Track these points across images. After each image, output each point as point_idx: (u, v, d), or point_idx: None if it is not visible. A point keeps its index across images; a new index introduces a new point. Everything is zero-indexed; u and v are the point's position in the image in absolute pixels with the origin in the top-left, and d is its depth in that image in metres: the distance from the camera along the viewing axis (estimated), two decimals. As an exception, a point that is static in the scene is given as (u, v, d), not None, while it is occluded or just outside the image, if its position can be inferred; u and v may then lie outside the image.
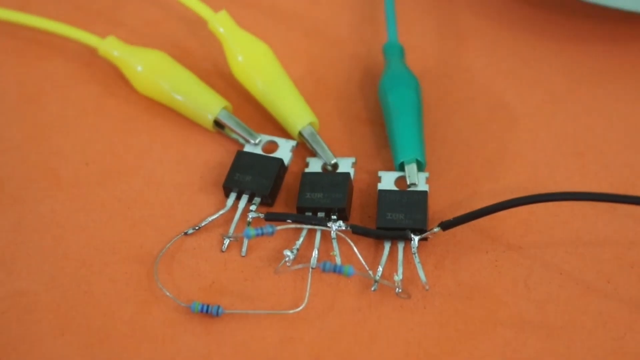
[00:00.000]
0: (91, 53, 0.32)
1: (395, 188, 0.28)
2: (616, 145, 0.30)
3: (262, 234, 0.26)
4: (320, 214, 0.28)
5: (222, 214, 0.28)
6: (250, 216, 0.28)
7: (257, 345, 0.25)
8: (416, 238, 0.27)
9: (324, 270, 0.26)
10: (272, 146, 0.29)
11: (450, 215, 0.27)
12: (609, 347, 0.25)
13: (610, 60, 0.33)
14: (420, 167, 0.28)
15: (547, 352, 0.25)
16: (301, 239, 0.27)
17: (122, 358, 0.25)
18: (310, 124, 0.29)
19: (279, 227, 0.27)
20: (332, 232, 0.27)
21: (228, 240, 0.27)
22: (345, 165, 0.29)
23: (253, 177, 0.28)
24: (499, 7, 0.34)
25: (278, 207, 0.29)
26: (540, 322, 0.26)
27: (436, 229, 0.27)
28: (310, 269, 0.27)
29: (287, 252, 0.27)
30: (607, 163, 0.30)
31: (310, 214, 0.28)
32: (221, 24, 0.31)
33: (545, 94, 0.32)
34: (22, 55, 0.33)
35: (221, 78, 0.32)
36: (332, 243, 0.27)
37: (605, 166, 0.30)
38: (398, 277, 0.26)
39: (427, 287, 0.26)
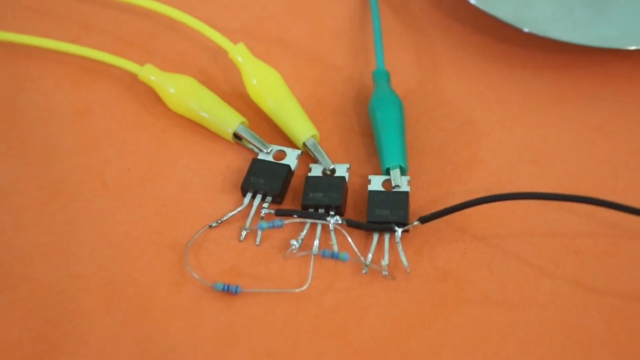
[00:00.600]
0: (132, 78, 0.32)
1: (382, 189, 0.28)
2: (563, 154, 0.30)
3: (273, 227, 0.27)
4: (321, 210, 0.28)
5: (240, 211, 0.28)
6: (263, 212, 0.28)
7: (268, 318, 0.26)
8: (399, 230, 0.27)
9: (323, 256, 0.26)
10: (281, 154, 0.29)
11: (427, 212, 0.27)
12: (558, 320, 0.26)
13: (558, 84, 0.33)
14: (403, 172, 0.29)
15: (506, 324, 0.25)
16: (305, 231, 0.27)
17: (158, 329, 0.25)
18: (312, 136, 0.29)
19: (286, 221, 0.27)
20: (330, 225, 0.27)
21: (245, 232, 0.28)
22: (341, 170, 0.29)
23: (265, 180, 0.28)
24: (468, 41, 0.34)
25: (286, 205, 0.29)
26: (501, 299, 0.26)
27: (416, 223, 0.27)
28: (313, 256, 0.27)
29: (293, 242, 0.27)
30: (556, 168, 0.30)
31: (312, 210, 0.28)
32: (239, 54, 0.31)
33: (506, 112, 0.32)
34: (75, 79, 0.33)
35: (239, 98, 0.32)
36: (330, 234, 0.27)
37: (554, 171, 0.30)
38: (384, 262, 0.26)
39: (408, 271, 0.26)
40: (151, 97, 0.32)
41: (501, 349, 0.25)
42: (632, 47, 0.31)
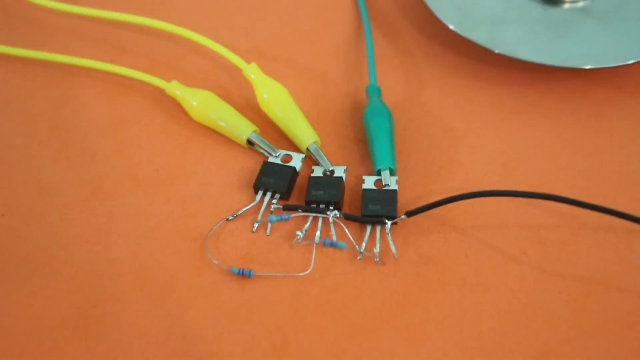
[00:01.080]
0: (160, 93, 0.32)
1: (374, 187, 0.28)
2: (529, 158, 0.30)
3: (281, 220, 0.27)
4: (322, 206, 0.28)
5: (252, 206, 0.28)
6: (272, 207, 0.28)
7: (277, 298, 0.26)
8: (389, 222, 0.27)
9: (324, 245, 0.27)
10: (288, 158, 0.30)
11: (413, 207, 0.27)
12: (524, 299, 0.26)
13: (525, 98, 0.33)
14: (392, 173, 0.29)
15: (480, 303, 0.26)
16: (308, 223, 0.28)
17: (182, 306, 0.26)
18: (314, 142, 0.30)
19: (292, 215, 0.27)
20: (330, 218, 0.27)
21: (257, 224, 0.28)
22: (339, 171, 0.29)
23: (274, 180, 0.28)
24: (447, 61, 0.34)
25: (292, 201, 0.29)
26: (476, 282, 0.26)
27: (403, 216, 0.27)
28: (315, 244, 0.27)
29: (298, 232, 0.27)
30: (523, 170, 0.30)
31: (314, 205, 0.28)
32: (252, 72, 0.31)
33: (480, 121, 0.32)
34: (112, 94, 0.33)
35: (251, 110, 0.32)
36: (329, 226, 0.27)
37: (522, 172, 0.30)
38: (376, 249, 0.27)
39: (396, 257, 0.27)
40: (177, 109, 0.32)
41: (475, 324, 0.25)
42: (588, 67, 0.31)
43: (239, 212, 0.28)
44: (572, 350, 0.25)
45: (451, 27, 0.33)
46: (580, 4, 0.34)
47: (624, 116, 0.32)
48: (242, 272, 0.26)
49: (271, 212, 0.28)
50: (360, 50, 0.35)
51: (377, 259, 0.27)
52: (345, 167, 0.29)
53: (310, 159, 0.30)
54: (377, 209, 0.27)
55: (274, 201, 0.28)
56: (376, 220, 0.27)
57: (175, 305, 0.26)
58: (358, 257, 0.27)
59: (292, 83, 0.32)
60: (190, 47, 0.34)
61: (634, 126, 0.31)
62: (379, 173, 0.29)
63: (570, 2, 0.34)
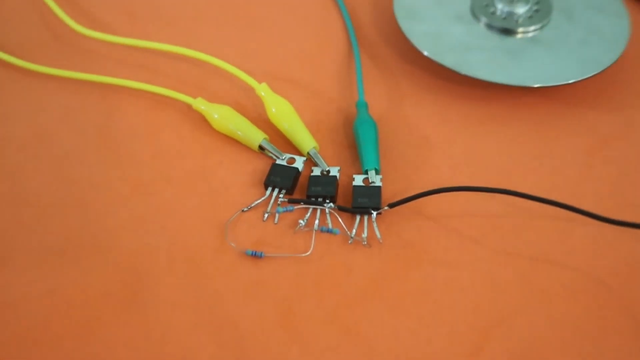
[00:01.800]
0: (188, 107, 0.32)
1: (362, 184, 0.28)
2: (488, 159, 0.30)
3: (286, 211, 0.27)
4: (320, 199, 0.28)
5: (263, 200, 0.28)
6: (279, 201, 0.28)
7: (283, 274, 0.26)
8: (374, 213, 0.27)
9: (321, 231, 0.27)
10: (292, 160, 0.29)
11: (394, 199, 0.27)
12: (483, 274, 0.26)
13: (486, 110, 0.33)
14: (377, 172, 0.29)
15: (448, 278, 0.26)
16: (309, 213, 0.28)
17: (207, 281, 0.26)
18: (314, 147, 0.30)
19: (296, 207, 0.28)
20: (326, 209, 0.28)
21: (267, 214, 0.28)
22: (334, 171, 0.29)
23: (281, 178, 0.28)
24: (423, 81, 0.34)
25: (296, 195, 0.29)
26: (445, 261, 0.26)
27: (386, 208, 0.27)
28: (314, 230, 0.27)
29: (301, 221, 0.27)
30: (484, 169, 0.30)
31: (314, 199, 0.28)
32: (263, 90, 0.31)
33: (449, 130, 0.32)
34: (148, 108, 0.33)
35: (262, 121, 0.32)
36: (326, 216, 0.28)
37: (482, 171, 0.30)
38: (364, 235, 0.27)
39: (380, 241, 0.27)
40: (201, 121, 0.32)
41: (445, 295, 0.25)
42: (536, 85, 0.32)
43: (252, 205, 0.28)
44: (523, 316, 0.25)
45: (425, 53, 0.33)
46: (530, 34, 0.34)
47: (566, 125, 0.32)
48: (255, 254, 0.26)
49: (278, 205, 0.28)
50: (351, 72, 0.35)
51: (365, 243, 0.27)
52: (339, 168, 0.29)
53: (310, 161, 0.30)
54: (365, 202, 0.27)
55: (281, 196, 0.28)
56: (364, 211, 0.27)
57: (201, 281, 0.26)
58: (349, 241, 0.27)
59: (295, 99, 0.32)
60: (212, 70, 0.34)
61: (573, 132, 0.32)
62: (366, 172, 0.29)
63: (522, 32, 0.34)
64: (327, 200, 0.28)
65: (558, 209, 0.27)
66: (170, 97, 0.32)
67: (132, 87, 0.33)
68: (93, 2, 0.38)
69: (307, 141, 0.30)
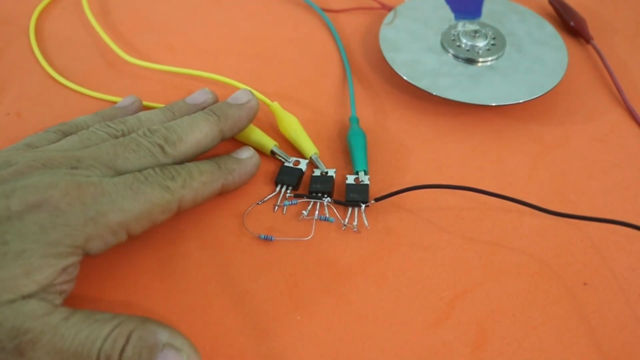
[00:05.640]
0: None
1: (354, 182, 0.28)
2: (455, 163, 0.30)
3: (292, 204, 0.27)
4: (319, 195, 0.28)
5: (273, 195, 0.28)
6: (287, 196, 0.28)
7: (289, 255, 0.26)
8: (363, 205, 0.27)
9: (320, 220, 0.27)
10: (297, 163, 0.29)
11: (379, 195, 0.27)
12: (452, 256, 0.26)
13: (453, 124, 0.32)
14: (366, 173, 0.28)
15: (423, 258, 0.26)
16: (310, 206, 0.27)
17: (229, 259, 0.25)
18: (315, 153, 0.29)
19: (300, 201, 0.27)
20: (324, 203, 0.27)
21: (277, 207, 0.27)
22: (331, 172, 0.29)
23: (288, 177, 0.28)
24: (402, 100, 0.34)
25: (300, 191, 0.28)
26: (420, 245, 0.26)
27: (373, 202, 0.27)
28: (314, 219, 0.27)
29: (304, 212, 0.27)
30: (452, 171, 0.30)
31: (314, 194, 0.28)
32: (274, 107, 0.31)
33: (423, 139, 0.31)
34: None
35: (274, 131, 0.31)
36: (324, 208, 0.27)
37: (451, 173, 0.30)
38: (355, 223, 0.27)
39: (368, 228, 0.27)
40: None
41: (419, 272, 0.25)
42: (493, 104, 0.31)
43: (265, 199, 0.28)
44: (482, 289, 0.25)
45: (404, 77, 0.33)
46: (488, 63, 0.34)
47: (517, 136, 0.32)
48: (267, 237, 0.26)
49: (286, 199, 0.28)
50: (345, 93, 0.34)
51: (356, 229, 0.27)
52: (335, 169, 0.29)
53: (312, 164, 0.30)
54: (355, 197, 0.27)
55: (288, 191, 0.28)
56: (355, 204, 0.27)
57: (224, 259, 0.25)
58: (343, 228, 0.27)
59: (300, 114, 0.32)
60: (233, 90, 0.34)
61: (522, 142, 0.31)
62: (357, 173, 0.29)
63: (482, 62, 0.34)
64: (325, 195, 0.28)
65: (511, 203, 0.27)
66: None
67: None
68: (139, 37, 0.38)
69: (309, 148, 0.29)
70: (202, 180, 0.24)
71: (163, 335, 0.19)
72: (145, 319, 0.20)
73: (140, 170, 0.22)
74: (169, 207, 0.22)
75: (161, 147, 0.24)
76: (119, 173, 0.22)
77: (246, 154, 0.27)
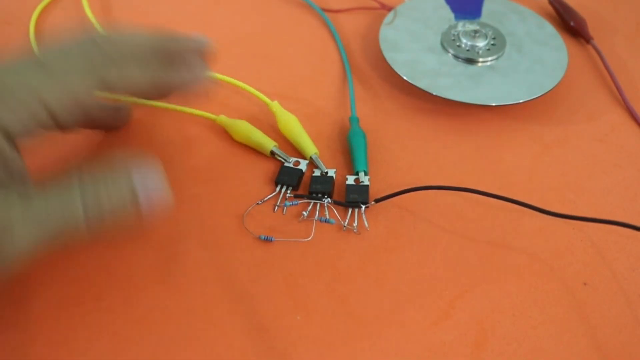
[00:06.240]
0: (212, 122, 0.32)
1: (354, 183, 0.28)
2: (454, 163, 0.30)
3: (292, 204, 0.27)
4: (319, 195, 0.28)
5: (273, 195, 0.28)
6: (287, 196, 0.28)
7: (289, 255, 0.26)
8: (363, 206, 0.27)
9: (320, 221, 0.27)
10: (297, 163, 0.29)
11: (379, 196, 0.27)
12: (451, 255, 0.26)
13: (451, 124, 0.32)
14: (366, 173, 0.28)
15: (422, 258, 0.26)
16: (310, 206, 0.27)
17: (230, 256, 0.25)
18: (315, 153, 0.29)
19: (300, 201, 0.27)
20: (325, 203, 0.27)
21: (277, 207, 0.28)
22: (331, 172, 0.29)
23: (288, 178, 0.28)
24: (402, 100, 0.34)
25: (300, 192, 0.29)
26: (420, 244, 0.26)
27: (373, 202, 0.27)
28: (314, 220, 0.27)
29: (304, 212, 0.27)
30: (449, 171, 0.30)
31: (314, 195, 0.28)
32: (274, 107, 0.31)
33: (424, 139, 0.31)
34: (182, 123, 0.32)
35: (274, 131, 0.31)
36: (324, 208, 0.27)
37: (448, 173, 0.30)
38: (355, 224, 0.27)
39: (368, 229, 0.27)
40: (224, 133, 0.31)
41: (420, 272, 0.25)
42: (493, 104, 0.31)
43: (265, 199, 0.28)
44: (482, 289, 0.25)
45: (404, 77, 0.33)
46: (488, 63, 0.34)
47: (517, 136, 0.32)
48: (267, 238, 0.26)
49: (286, 199, 0.28)
50: (345, 93, 0.34)
51: (356, 230, 0.27)
52: (335, 170, 0.29)
53: (312, 164, 0.30)
54: (355, 197, 0.27)
55: (288, 192, 0.28)
56: (355, 204, 0.27)
57: (224, 259, 0.25)
58: (343, 229, 0.27)
59: (300, 114, 0.32)
60: (233, 89, 0.34)
61: (522, 142, 0.31)
62: (357, 173, 0.29)
63: (482, 62, 0.34)
64: (325, 196, 0.28)
65: (510, 204, 0.27)
66: (198, 115, 0.32)
67: (170, 108, 0.32)
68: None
69: (309, 148, 0.29)
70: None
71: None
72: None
73: None
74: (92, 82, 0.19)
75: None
76: None
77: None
